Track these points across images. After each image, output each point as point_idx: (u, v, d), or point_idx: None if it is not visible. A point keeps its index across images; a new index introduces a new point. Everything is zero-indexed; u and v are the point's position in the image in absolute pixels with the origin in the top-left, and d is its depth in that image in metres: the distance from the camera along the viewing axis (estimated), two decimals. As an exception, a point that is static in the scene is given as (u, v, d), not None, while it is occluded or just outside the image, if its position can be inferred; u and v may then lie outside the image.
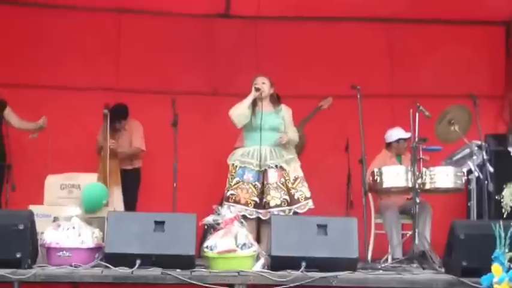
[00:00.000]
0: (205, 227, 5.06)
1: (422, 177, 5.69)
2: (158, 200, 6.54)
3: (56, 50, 7.20)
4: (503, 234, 4.34)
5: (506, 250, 4.33)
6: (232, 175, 5.53)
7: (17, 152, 6.16)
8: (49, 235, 4.90)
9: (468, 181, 5.86)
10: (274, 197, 5.44)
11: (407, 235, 6.06)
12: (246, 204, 5.42)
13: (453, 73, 7.26)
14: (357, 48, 7.42)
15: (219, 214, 4.93)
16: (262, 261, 4.89)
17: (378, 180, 5.82)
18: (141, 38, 7.39)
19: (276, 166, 5.54)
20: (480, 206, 5.75)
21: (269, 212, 5.39)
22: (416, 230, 5.54)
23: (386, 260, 5.83)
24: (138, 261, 4.57)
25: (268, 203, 5.43)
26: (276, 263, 4.73)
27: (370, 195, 6.09)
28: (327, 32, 7.42)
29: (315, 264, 4.67)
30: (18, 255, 4.57)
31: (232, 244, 4.77)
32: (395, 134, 6.57)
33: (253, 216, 5.42)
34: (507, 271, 4.27)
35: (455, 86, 7.06)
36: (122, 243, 4.70)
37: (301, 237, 4.80)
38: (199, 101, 7.29)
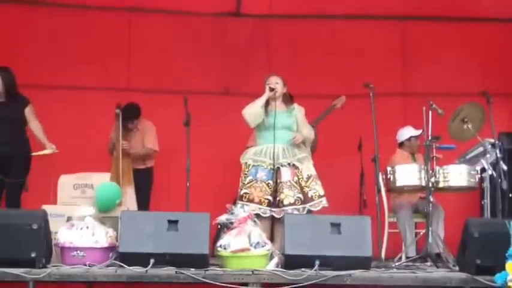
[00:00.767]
0: (219, 226, 5.06)
1: (435, 176, 5.67)
2: (171, 199, 6.55)
3: (67, 50, 7.22)
4: (517, 232, 4.32)
5: (521, 248, 4.31)
6: (245, 174, 5.53)
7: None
8: (63, 235, 4.92)
9: (482, 179, 5.84)
10: (288, 195, 5.43)
11: (421, 234, 6.04)
12: (260, 202, 5.42)
13: (466, 71, 7.24)
14: (370, 46, 7.40)
15: (232, 213, 4.93)
16: (276, 260, 4.88)
17: (391, 179, 5.81)
18: (152, 38, 7.40)
19: (289, 164, 5.53)
20: (494, 204, 5.72)
21: (283, 210, 5.39)
22: (430, 229, 5.52)
23: (400, 258, 5.81)
24: (152, 261, 4.58)
25: (282, 202, 5.42)
26: (290, 262, 4.73)
27: (383, 194, 6.07)
28: (339, 30, 7.41)
29: (328, 262, 4.67)
30: (32, 255, 4.59)
31: (245, 243, 4.77)
32: (406, 132, 6.56)
33: (267, 215, 5.42)
34: (521, 269, 4.25)
35: (469, 83, 7.03)
36: (136, 243, 4.71)
37: (315, 236, 4.80)
38: (211, 100, 7.30)
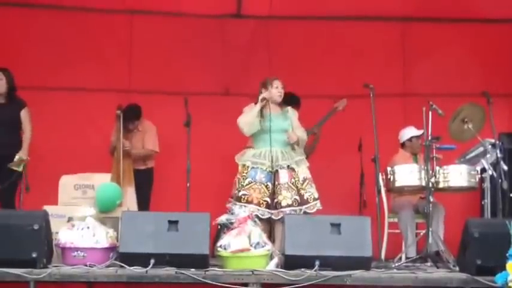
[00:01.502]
0: (219, 226, 5.07)
1: (435, 176, 5.67)
2: (171, 199, 6.56)
3: (69, 52, 7.23)
4: (517, 233, 4.33)
5: (521, 248, 4.32)
6: (243, 176, 5.52)
7: (31, 153, 6.19)
8: (64, 235, 4.94)
9: (482, 179, 5.84)
10: (286, 197, 5.43)
11: (421, 234, 6.04)
12: (259, 204, 5.41)
13: (466, 71, 7.24)
14: (370, 47, 7.40)
15: (232, 213, 4.95)
16: (276, 260, 4.89)
17: (391, 179, 5.81)
18: (153, 39, 7.41)
19: (288, 167, 5.55)
20: (494, 205, 5.72)
21: (281, 211, 5.39)
22: (430, 229, 5.52)
23: (400, 259, 5.80)
24: (152, 261, 4.59)
25: (280, 203, 5.42)
26: (290, 262, 4.74)
27: (383, 194, 6.07)
28: (339, 31, 7.41)
29: (328, 263, 4.68)
30: (33, 255, 4.61)
31: (246, 243, 4.78)
32: (407, 132, 6.56)
33: (265, 217, 5.42)
34: (522, 269, 4.26)
35: (469, 84, 7.03)
36: (136, 243, 4.73)
37: (315, 236, 4.81)
38: (212, 101, 7.30)
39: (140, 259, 4.62)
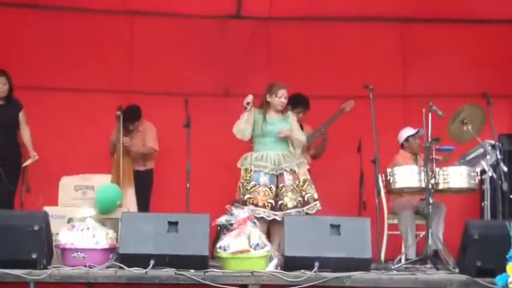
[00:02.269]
0: (218, 227, 5.08)
1: (435, 177, 5.67)
2: (171, 200, 6.56)
3: (69, 53, 7.23)
4: (517, 234, 4.33)
5: (521, 250, 4.31)
6: (247, 179, 5.61)
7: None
8: (64, 236, 4.94)
9: (482, 181, 5.84)
10: (292, 198, 5.58)
11: (421, 235, 6.04)
12: (264, 206, 5.51)
13: (466, 72, 7.23)
14: (370, 48, 7.39)
15: (232, 214, 4.95)
16: (275, 261, 4.89)
17: (391, 181, 5.81)
18: (153, 40, 7.41)
19: (290, 169, 5.64)
20: (494, 206, 5.72)
21: (287, 213, 5.45)
22: (430, 231, 5.52)
23: (400, 260, 5.81)
24: (152, 262, 4.60)
25: (286, 205, 5.54)
26: (289, 263, 4.74)
27: (383, 195, 6.08)
28: (339, 32, 7.40)
29: (328, 264, 4.68)
30: (33, 256, 4.61)
31: (245, 244, 4.79)
32: (404, 133, 6.57)
33: (271, 218, 5.48)
34: (521, 271, 4.25)
35: (469, 85, 7.02)
36: (136, 244, 4.73)
37: (314, 237, 4.82)
38: (212, 102, 7.30)
39: (140, 260, 4.62)
